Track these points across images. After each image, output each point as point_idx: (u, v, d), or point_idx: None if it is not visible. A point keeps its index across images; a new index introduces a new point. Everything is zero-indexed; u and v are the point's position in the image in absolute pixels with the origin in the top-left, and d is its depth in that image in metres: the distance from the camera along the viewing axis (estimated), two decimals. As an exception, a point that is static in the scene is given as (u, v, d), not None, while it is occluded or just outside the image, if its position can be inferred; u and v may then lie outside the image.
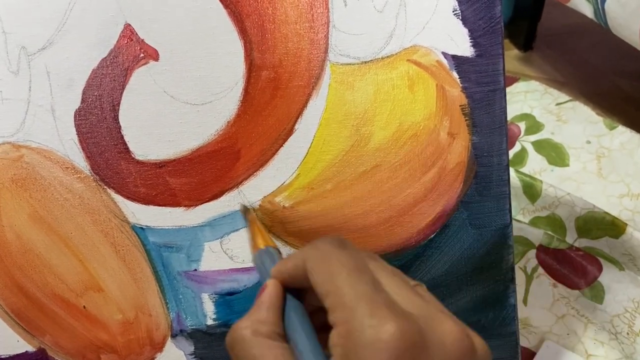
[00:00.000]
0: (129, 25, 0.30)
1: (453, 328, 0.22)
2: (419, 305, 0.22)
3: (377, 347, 0.20)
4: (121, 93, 0.31)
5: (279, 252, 0.28)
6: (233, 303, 0.34)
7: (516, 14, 0.90)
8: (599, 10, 0.64)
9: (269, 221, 0.33)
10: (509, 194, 0.34)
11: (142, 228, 0.32)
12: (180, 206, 0.32)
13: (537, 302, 0.52)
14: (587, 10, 0.66)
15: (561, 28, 0.89)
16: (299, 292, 0.25)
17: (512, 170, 0.57)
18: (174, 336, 0.34)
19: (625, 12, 0.59)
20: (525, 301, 0.52)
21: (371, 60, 0.31)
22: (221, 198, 0.32)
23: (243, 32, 0.30)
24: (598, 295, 0.51)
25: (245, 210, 0.32)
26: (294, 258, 0.25)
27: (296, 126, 0.32)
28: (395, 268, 0.24)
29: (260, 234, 0.30)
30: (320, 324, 0.24)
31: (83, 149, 0.31)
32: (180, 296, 0.33)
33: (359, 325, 0.21)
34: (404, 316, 0.21)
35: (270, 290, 0.25)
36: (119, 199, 0.32)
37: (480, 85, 0.32)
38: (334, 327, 0.21)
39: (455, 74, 0.32)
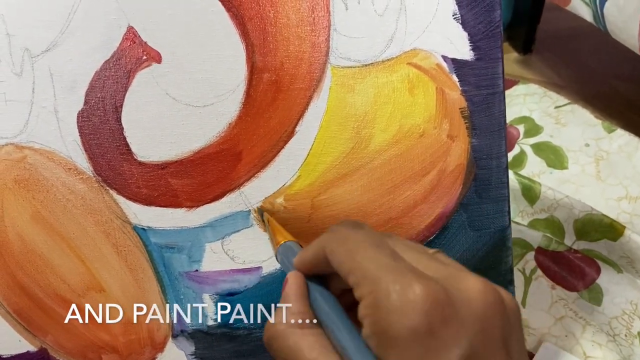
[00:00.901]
0: (132, 27, 0.30)
1: (477, 283, 0.22)
2: (440, 268, 0.22)
3: (405, 310, 0.20)
4: (124, 95, 0.31)
5: (299, 245, 0.29)
6: (234, 303, 0.34)
7: (515, 17, 0.90)
8: (598, 14, 0.64)
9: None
10: (508, 196, 0.34)
11: (143, 229, 0.33)
12: (182, 207, 0.32)
13: (536, 303, 0.52)
14: (586, 14, 0.67)
15: (560, 31, 0.90)
16: (322, 280, 0.26)
17: (511, 173, 0.57)
18: (174, 336, 0.34)
19: (624, 16, 0.59)
20: (523, 303, 0.52)
21: (372, 63, 0.32)
22: (222, 199, 0.32)
23: (245, 34, 0.31)
24: (596, 298, 0.52)
25: (262, 212, 0.32)
26: (313, 246, 0.25)
27: (297, 128, 0.32)
28: (413, 242, 0.25)
29: (279, 230, 0.30)
30: (347, 306, 0.24)
31: (86, 150, 0.31)
32: (182, 296, 0.34)
33: (385, 292, 0.21)
34: (427, 278, 0.21)
35: (292, 282, 0.26)
36: (121, 200, 0.32)
37: (480, 89, 0.32)
38: (361, 301, 0.22)
39: (454, 77, 0.32)
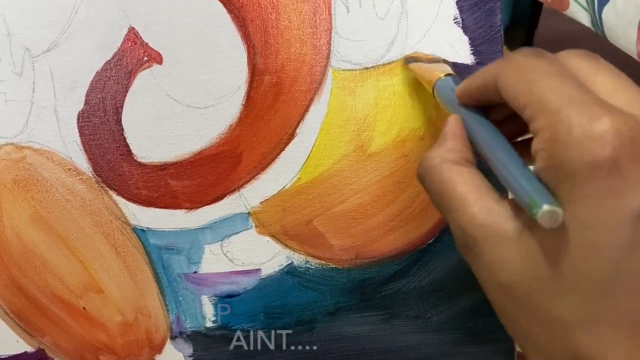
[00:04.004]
0: (134, 28, 0.30)
1: None
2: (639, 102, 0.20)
3: (589, 143, 0.18)
4: (124, 96, 0.31)
5: (458, 78, 0.27)
6: (233, 305, 0.34)
7: (514, 21, 0.90)
8: (596, 18, 0.64)
9: (267, 223, 0.33)
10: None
11: (143, 230, 0.33)
12: (182, 208, 0.32)
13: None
14: (584, 19, 0.67)
15: (558, 36, 0.90)
16: (482, 113, 0.25)
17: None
18: (173, 338, 0.34)
19: (622, 22, 0.60)
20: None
21: (373, 66, 0.32)
22: (222, 201, 0.32)
23: (246, 37, 0.31)
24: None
25: (409, 61, 0.31)
26: (482, 74, 0.24)
27: (297, 130, 0.32)
28: (606, 64, 0.22)
29: (429, 69, 0.29)
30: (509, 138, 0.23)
31: (85, 151, 0.31)
32: (180, 298, 0.34)
33: (567, 125, 0.18)
34: (620, 112, 0.19)
35: (452, 122, 0.25)
36: (120, 200, 0.32)
37: (480, 93, 0.32)
38: (536, 136, 0.20)
39: (455, 81, 0.32)
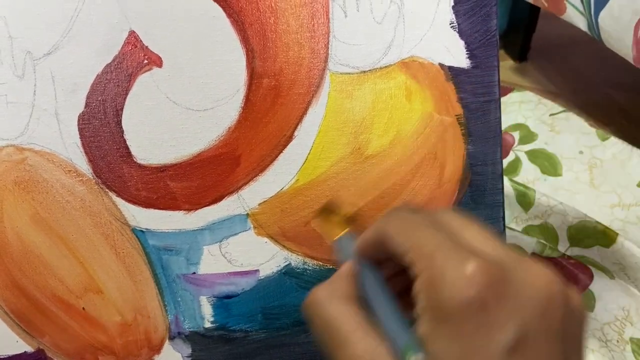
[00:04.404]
0: (134, 32, 0.31)
1: (542, 270, 0.20)
2: (502, 250, 0.22)
3: (459, 284, 0.20)
4: (124, 98, 0.31)
5: (354, 234, 0.29)
6: (231, 306, 0.34)
7: (511, 25, 0.91)
8: (593, 23, 0.65)
9: (266, 224, 0.33)
10: (503, 202, 0.34)
11: (142, 231, 0.33)
12: (181, 210, 0.33)
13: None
14: (581, 23, 0.68)
15: (555, 40, 0.91)
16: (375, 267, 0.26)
17: (505, 179, 0.58)
18: (171, 338, 0.34)
19: (618, 26, 0.60)
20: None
21: (370, 70, 0.32)
22: (221, 202, 0.33)
23: (245, 40, 0.31)
24: (589, 303, 0.52)
25: (322, 210, 0.33)
26: (374, 228, 0.25)
27: (295, 133, 0.32)
28: (474, 221, 0.24)
29: (335, 225, 0.31)
30: (398, 291, 0.24)
31: (86, 153, 0.32)
32: (179, 299, 0.34)
33: (440, 268, 0.20)
34: (485, 256, 0.21)
35: (345, 266, 0.26)
36: (120, 202, 0.32)
37: (476, 96, 0.32)
38: (416, 279, 0.22)
39: (451, 85, 0.32)
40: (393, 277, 0.26)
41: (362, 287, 0.25)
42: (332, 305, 0.24)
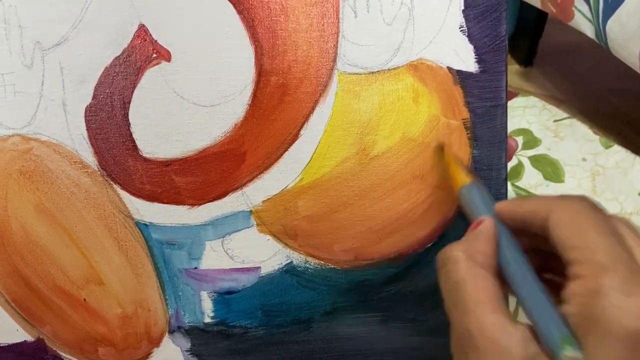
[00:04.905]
0: (144, 25, 0.31)
1: None
2: None
3: (628, 312, 0.19)
4: (132, 91, 0.31)
5: (486, 187, 0.28)
6: (231, 302, 0.34)
7: (518, 30, 0.91)
8: (600, 30, 0.65)
9: (269, 221, 0.33)
10: (506, 207, 0.34)
11: (145, 224, 0.33)
12: (184, 204, 0.33)
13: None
14: (588, 30, 0.67)
15: (562, 46, 0.90)
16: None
17: (508, 184, 0.58)
18: (171, 332, 0.34)
19: (626, 34, 0.60)
20: (517, 312, 0.53)
21: (378, 71, 0.32)
22: (225, 198, 0.33)
23: (254, 37, 0.31)
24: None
25: (442, 148, 0.32)
26: (534, 204, 0.24)
27: (302, 131, 0.32)
28: None
29: (462, 170, 0.30)
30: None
31: (92, 145, 0.32)
32: (180, 293, 0.34)
33: (610, 285, 0.20)
34: None
35: (488, 225, 0.25)
36: (124, 195, 0.32)
37: (483, 101, 0.32)
38: (574, 279, 0.21)
39: (459, 88, 0.32)
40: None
41: (501, 254, 0.24)
42: (469, 267, 0.23)
